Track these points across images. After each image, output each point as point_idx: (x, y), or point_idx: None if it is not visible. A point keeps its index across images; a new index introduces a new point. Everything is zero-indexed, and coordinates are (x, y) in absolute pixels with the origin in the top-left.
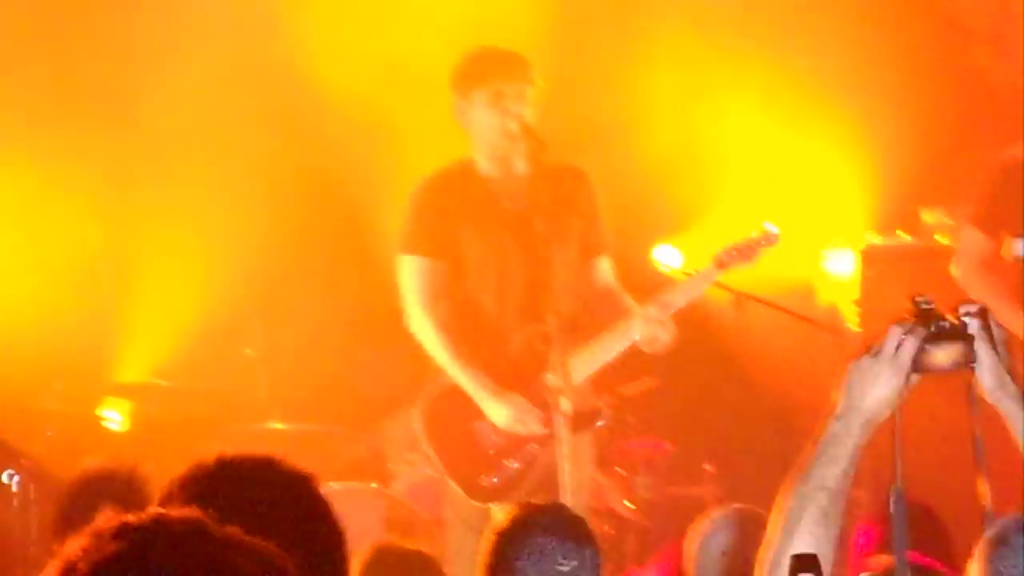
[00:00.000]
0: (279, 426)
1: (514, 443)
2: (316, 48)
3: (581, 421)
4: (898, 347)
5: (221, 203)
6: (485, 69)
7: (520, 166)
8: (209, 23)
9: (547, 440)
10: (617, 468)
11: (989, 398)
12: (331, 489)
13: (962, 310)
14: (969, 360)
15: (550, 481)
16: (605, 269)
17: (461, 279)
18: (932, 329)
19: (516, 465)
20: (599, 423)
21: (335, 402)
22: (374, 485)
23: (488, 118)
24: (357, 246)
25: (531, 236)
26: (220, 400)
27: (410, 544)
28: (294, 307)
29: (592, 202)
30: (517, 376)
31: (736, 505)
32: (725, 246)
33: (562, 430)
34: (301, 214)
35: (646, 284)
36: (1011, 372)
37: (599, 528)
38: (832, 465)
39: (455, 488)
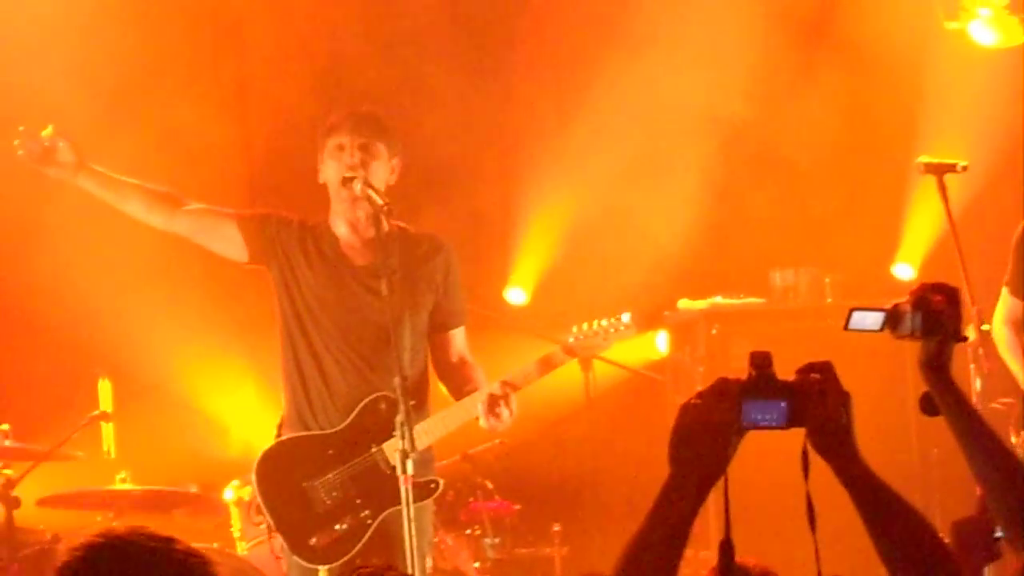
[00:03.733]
0: (127, 487)
1: (345, 506)
2: None
3: (417, 492)
4: (716, 405)
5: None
6: (334, 124)
7: (369, 228)
8: None
9: (379, 506)
10: (465, 529)
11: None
12: None
13: (802, 368)
14: (791, 418)
15: (385, 545)
16: (460, 339)
17: (306, 332)
18: (753, 384)
19: (345, 528)
20: (434, 495)
21: (182, 463)
22: (217, 546)
23: (331, 172)
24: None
25: (378, 298)
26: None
27: None
28: (141, 365)
29: (450, 274)
30: (357, 440)
31: None
32: (578, 332)
33: (407, 494)
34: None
35: (498, 321)
36: (845, 432)
37: None
38: (665, 528)
39: (284, 545)
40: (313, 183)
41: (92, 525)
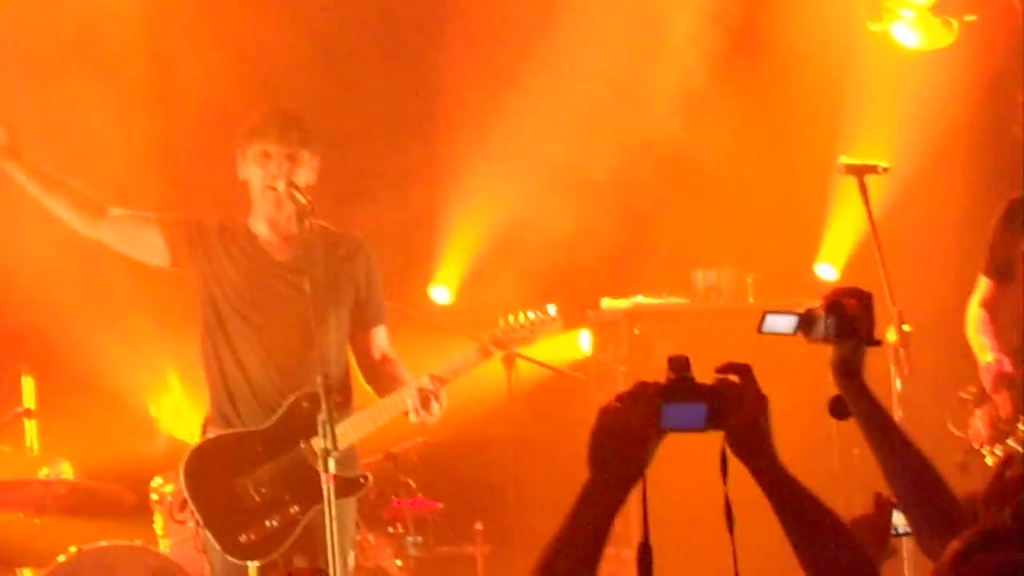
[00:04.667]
0: (50, 480)
1: (275, 502)
2: None
3: (345, 488)
4: (636, 408)
5: None
6: (259, 128)
7: (290, 226)
8: None
9: (308, 502)
10: (388, 527)
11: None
12: (99, 546)
13: (720, 368)
14: (710, 420)
15: (311, 542)
16: (382, 337)
17: (228, 331)
18: (671, 388)
19: (275, 524)
20: (363, 490)
21: (109, 458)
22: (139, 543)
23: (254, 176)
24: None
25: (301, 295)
26: None
27: None
28: (65, 361)
29: (370, 272)
30: (284, 437)
31: None
32: (504, 325)
33: (328, 492)
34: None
35: (422, 319)
36: (763, 435)
37: None
38: (585, 529)
39: (213, 543)
40: (234, 181)
41: (15, 521)
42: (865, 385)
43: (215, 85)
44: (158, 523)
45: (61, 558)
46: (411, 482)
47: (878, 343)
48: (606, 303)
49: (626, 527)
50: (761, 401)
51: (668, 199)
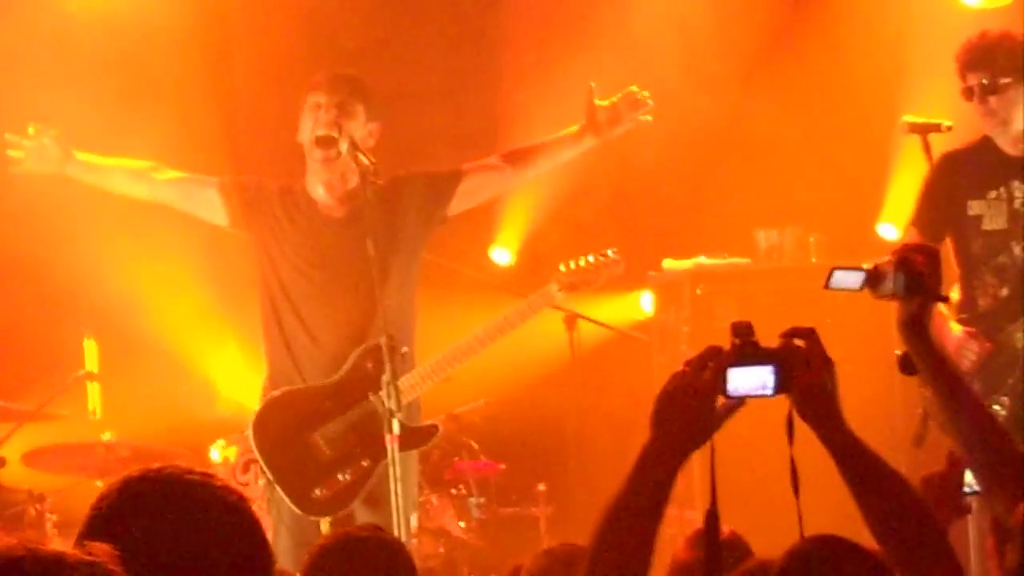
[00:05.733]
0: (114, 442)
1: (345, 456)
2: None
3: (414, 438)
4: (702, 372)
5: None
6: (313, 81)
7: (345, 185)
8: None
9: (378, 455)
10: (450, 488)
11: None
12: None
13: (785, 333)
14: (777, 385)
15: (378, 496)
16: (480, 165)
17: (289, 292)
18: (737, 353)
19: (347, 478)
20: (432, 439)
21: (170, 422)
22: None
23: (305, 129)
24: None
25: (359, 252)
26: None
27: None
28: (127, 325)
29: (418, 186)
30: (351, 390)
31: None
32: (570, 268)
33: (393, 453)
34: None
35: (483, 279)
36: (830, 398)
37: (433, 548)
38: (644, 492)
39: (285, 501)
40: (295, 148)
41: (78, 486)
42: (931, 341)
43: (274, 49)
44: None
45: None
46: (474, 444)
47: (945, 299)
48: (668, 264)
49: (689, 487)
50: (827, 364)
51: (730, 160)
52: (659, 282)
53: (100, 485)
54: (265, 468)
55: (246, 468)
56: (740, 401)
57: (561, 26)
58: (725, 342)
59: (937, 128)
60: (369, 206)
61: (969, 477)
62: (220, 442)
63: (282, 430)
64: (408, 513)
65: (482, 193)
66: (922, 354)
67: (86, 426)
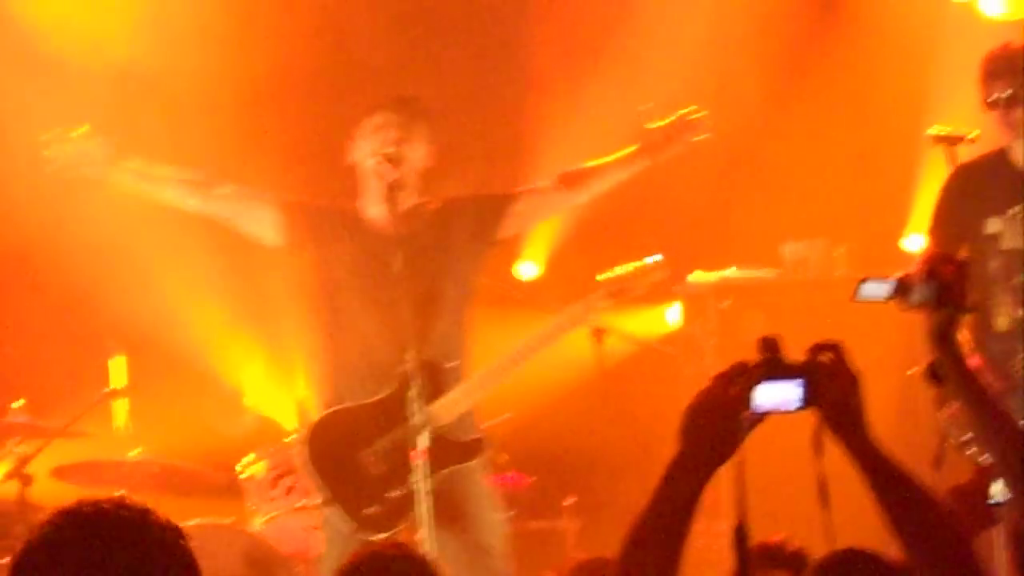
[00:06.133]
0: (144, 459)
1: (396, 473)
2: None
3: (465, 452)
4: (730, 387)
5: None
6: (375, 103)
7: (400, 203)
8: None
9: (430, 469)
10: None
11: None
12: (190, 525)
13: (812, 348)
14: (804, 400)
15: (445, 510)
16: (534, 191)
17: (340, 309)
18: (765, 368)
19: (398, 495)
20: (481, 453)
21: (198, 437)
22: (232, 520)
23: (364, 149)
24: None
25: (414, 270)
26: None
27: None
28: (154, 342)
29: (468, 205)
30: (400, 407)
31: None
32: (615, 275)
33: (422, 468)
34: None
35: (509, 293)
36: (857, 413)
37: None
38: (671, 506)
39: (339, 518)
40: (326, 167)
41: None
42: (959, 352)
43: (296, 62)
44: (249, 501)
45: None
46: (502, 457)
47: (974, 310)
48: (695, 276)
49: (717, 500)
50: (854, 378)
51: (757, 172)
52: (686, 294)
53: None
54: (320, 485)
55: (275, 483)
56: (762, 416)
57: (588, 39)
58: (752, 355)
59: (963, 139)
60: (425, 226)
61: (994, 489)
62: (250, 456)
63: (336, 447)
64: (493, 510)
65: (535, 216)
66: (950, 365)
67: (114, 442)
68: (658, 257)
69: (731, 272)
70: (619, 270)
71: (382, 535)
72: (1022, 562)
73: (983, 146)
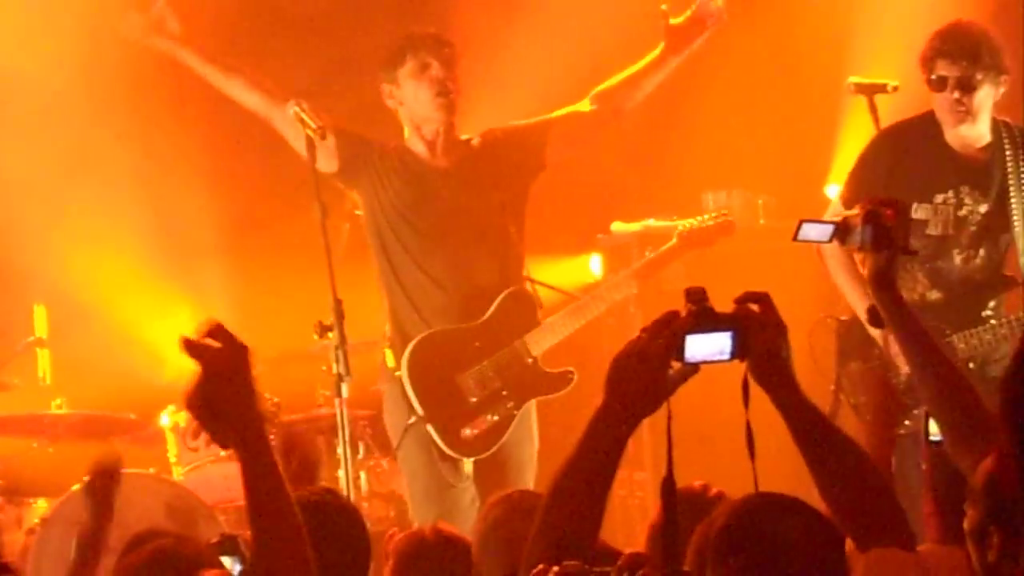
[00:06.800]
0: (63, 412)
1: (494, 397)
2: None
3: (552, 383)
4: (661, 338)
5: None
6: (406, 46)
7: (443, 139)
8: None
9: (522, 398)
10: None
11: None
12: None
13: (739, 298)
14: (734, 351)
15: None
16: (571, 111)
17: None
18: (694, 320)
19: (496, 418)
20: (569, 386)
21: (120, 388)
22: (153, 471)
23: (413, 90)
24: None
25: (466, 200)
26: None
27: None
28: (76, 292)
29: (508, 136)
30: (498, 332)
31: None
32: (690, 226)
33: (342, 417)
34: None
35: None
36: (785, 363)
37: (384, 511)
38: (598, 455)
39: (435, 439)
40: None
41: (28, 451)
42: (899, 294)
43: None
44: (171, 451)
45: (75, 487)
46: None
47: (914, 252)
48: (616, 227)
49: (638, 449)
50: (781, 328)
51: (677, 123)
52: (607, 245)
53: (51, 451)
54: (417, 405)
55: (196, 433)
56: (695, 367)
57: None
58: (674, 304)
59: (883, 89)
60: (474, 160)
61: (933, 427)
62: (170, 408)
63: (435, 369)
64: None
65: (577, 138)
66: (889, 307)
67: (36, 393)
68: (729, 218)
69: (651, 222)
70: (693, 220)
71: (476, 457)
72: (942, 494)
73: (905, 95)
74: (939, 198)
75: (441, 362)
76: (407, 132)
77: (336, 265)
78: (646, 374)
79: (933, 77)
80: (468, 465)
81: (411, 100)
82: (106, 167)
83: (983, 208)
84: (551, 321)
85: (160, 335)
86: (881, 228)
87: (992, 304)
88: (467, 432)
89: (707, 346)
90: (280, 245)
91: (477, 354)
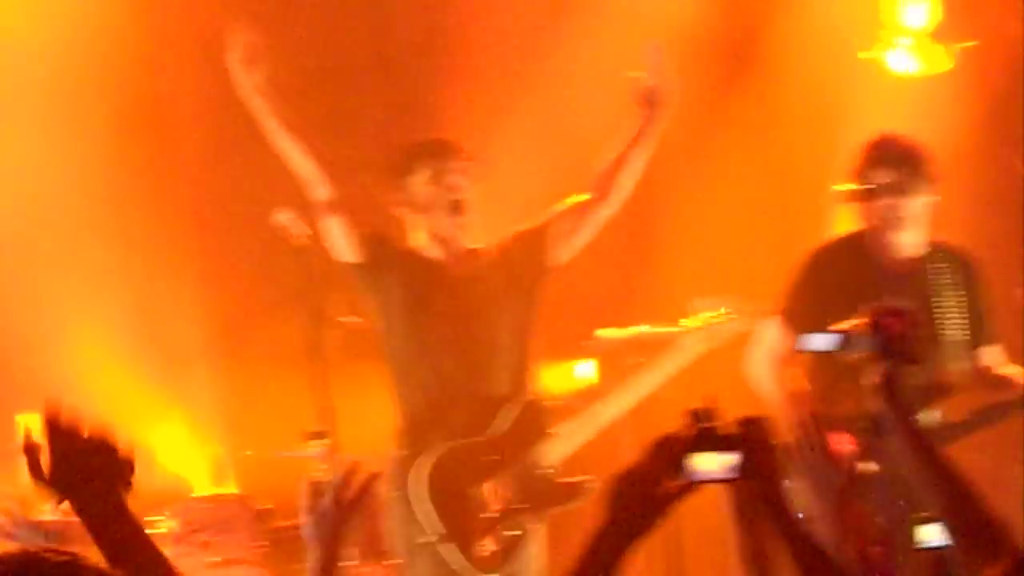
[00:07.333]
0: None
1: (511, 511)
2: None
3: (568, 493)
4: (659, 462)
5: None
6: (419, 153)
7: (461, 244)
8: None
9: (540, 510)
10: (387, 559)
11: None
12: None
13: (741, 421)
14: (737, 470)
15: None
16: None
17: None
18: (697, 440)
19: (514, 533)
20: (584, 496)
21: None
22: None
23: (427, 195)
24: None
25: (480, 306)
26: None
27: None
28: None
29: (516, 242)
30: (513, 445)
31: None
32: (705, 322)
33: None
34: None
35: None
36: (780, 486)
37: None
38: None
39: (455, 556)
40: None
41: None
42: (904, 404)
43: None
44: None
45: None
46: None
47: (921, 362)
48: (606, 332)
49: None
50: (773, 454)
51: (668, 229)
52: (599, 350)
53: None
54: (437, 525)
55: (188, 540)
56: (694, 486)
57: (493, 96)
58: (667, 410)
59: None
60: (486, 267)
61: (923, 533)
62: (163, 515)
63: (451, 484)
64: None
65: (580, 233)
66: (895, 417)
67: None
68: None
69: (643, 328)
70: (705, 316)
71: (494, 575)
72: None
73: None
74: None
75: (456, 478)
76: (420, 238)
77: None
78: (643, 493)
79: (870, 186)
80: None
81: (423, 207)
82: (90, 267)
83: None
84: (566, 429)
85: (151, 440)
86: (887, 337)
87: (937, 414)
88: (486, 548)
89: (711, 465)
90: (270, 351)
91: (491, 468)
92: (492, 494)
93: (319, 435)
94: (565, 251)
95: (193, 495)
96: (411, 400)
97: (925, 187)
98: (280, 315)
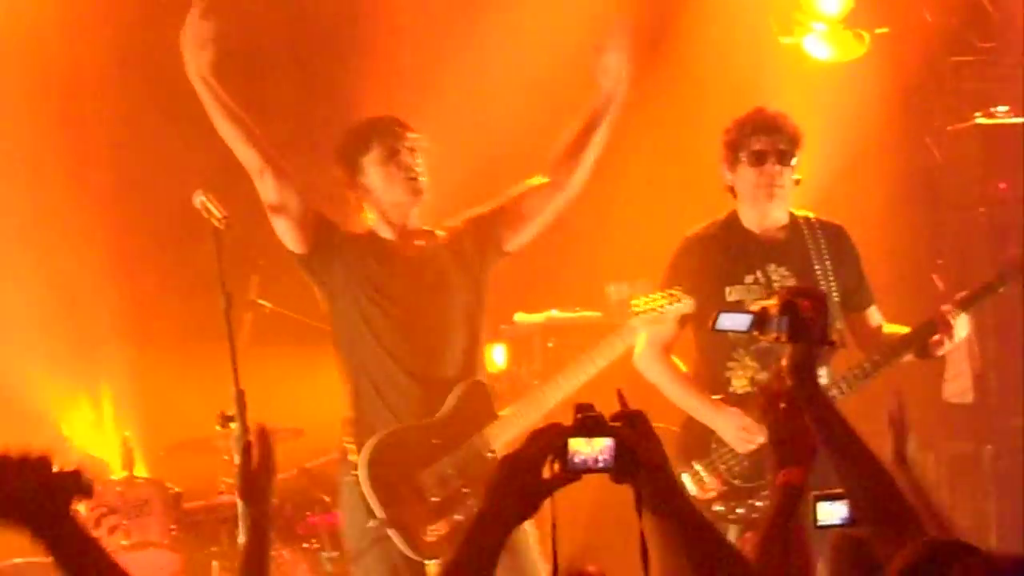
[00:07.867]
0: None
1: (456, 496)
2: None
3: None
4: (543, 447)
5: None
6: (370, 132)
7: (410, 224)
8: None
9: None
10: (303, 542)
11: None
12: (14, 563)
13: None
14: (612, 455)
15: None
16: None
17: (376, 330)
18: (576, 426)
19: (460, 518)
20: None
21: None
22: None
23: (376, 171)
24: None
25: (434, 289)
26: None
27: None
28: None
29: (467, 227)
30: (457, 428)
31: None
32: (648, 305)
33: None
34: None
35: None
36: (667, 474)
37: None
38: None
39: (397, 543)
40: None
41: None
42: (818, 385)
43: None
44: None
45: None
46: (326, 497)
47: (831, 344)
48: (520, 317)
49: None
50: (659, 446)
51: (581, 213)
52: (511, 335)
53: None
54: (378, 508)
55: (98, 522)
56: (576, 474)
57: (410, 84)
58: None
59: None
60: (439, 248)
61: (822, 512)
62: None
63: (395, 469)
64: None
65: (539, 216)
66: (808, 398)
67: None
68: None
69: (555, 313)
70: (650, 300)
71: (436, 561)
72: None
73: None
74: (748, 279)
75: (401, 461)
76: (372, 219)
77: (239, 355)
78: (523, 480)
79: (751, 151)
80: (432, 568)
81: (379, 187)
82: (1, 247)
83: (791, 283)
84: (509, 413)
85: (62, 420)
86: (797, 319)
87: (823, 372)
88: (431, 535)
89: (585, 448)
90: (183, 333)
91: (436, 451)
92: (434, 479)
93: (229, 419)
94: (521, 236)
95: (104, 478)
96: (361, 384)
97: (794, 160)
98: (195, 297)
